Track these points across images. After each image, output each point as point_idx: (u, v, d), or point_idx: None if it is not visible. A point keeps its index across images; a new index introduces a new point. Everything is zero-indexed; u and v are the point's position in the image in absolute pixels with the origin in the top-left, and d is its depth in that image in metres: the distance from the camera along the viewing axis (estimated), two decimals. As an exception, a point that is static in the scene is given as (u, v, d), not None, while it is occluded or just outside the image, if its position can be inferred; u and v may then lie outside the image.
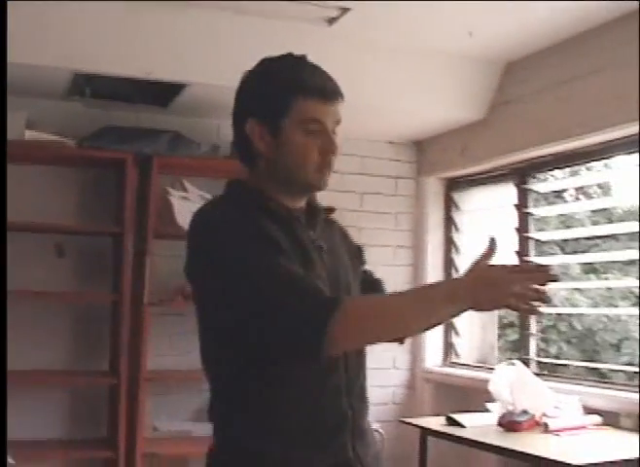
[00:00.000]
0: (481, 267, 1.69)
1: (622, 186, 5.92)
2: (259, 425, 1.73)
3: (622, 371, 5.10)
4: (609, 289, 7.50)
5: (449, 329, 5.45)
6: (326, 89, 1.88)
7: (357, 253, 2.15)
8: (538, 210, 4.90)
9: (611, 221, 6.53)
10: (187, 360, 4.51)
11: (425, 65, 4.72)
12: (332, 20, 4.23)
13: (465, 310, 1.68)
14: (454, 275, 5.45)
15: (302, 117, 1.81)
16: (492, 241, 1.72)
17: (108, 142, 4.30)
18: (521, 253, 4.83)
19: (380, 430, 5.08)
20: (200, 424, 4.75)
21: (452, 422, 4.06)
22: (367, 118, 4.94)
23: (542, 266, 1.70)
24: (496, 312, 5.51)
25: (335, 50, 4.39)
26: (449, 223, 5.55)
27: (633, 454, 3.42)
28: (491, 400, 4.29)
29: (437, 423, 4.13)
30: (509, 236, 4.92)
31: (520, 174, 4.90)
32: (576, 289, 7.29)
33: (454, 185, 5.53)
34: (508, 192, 5.02)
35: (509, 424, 3.88)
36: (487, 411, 4.24)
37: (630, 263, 7.60)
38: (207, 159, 4.53)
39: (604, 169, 5.31)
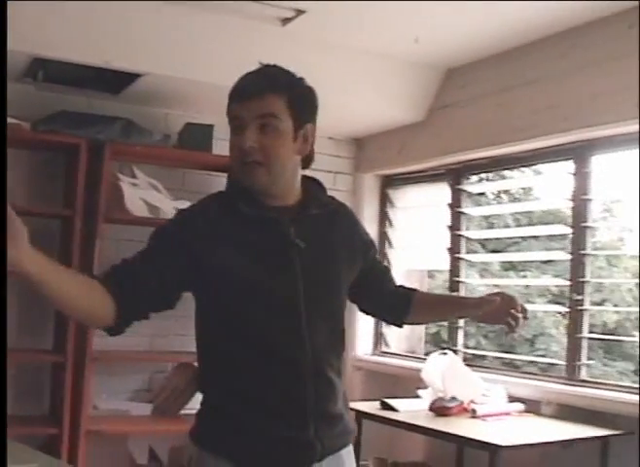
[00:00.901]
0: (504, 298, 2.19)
1: (545, 191, 6.28)
2: (236, 400, 1.91)
3: (538, 363, 5.42)
4: (527, 286, 7.88)
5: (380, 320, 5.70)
6: (245, 89, 2.03)
7: (363, 245, 2.30)
8: (470, 210, 5.18)
9: (532, 222, 6.89)
10: (129, 341, 4.61)
11: (369, 67, 4.93)
12: (286, 21, 4.40)
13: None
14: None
15: (230, 117, 2.02)
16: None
17: (62, 126, 4.38)
18: (453, 250, 5.11)
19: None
20: (139, 404, 4.90)
21: (386, 407, 4.30)
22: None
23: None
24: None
25: (285, 48, 4.55)
26: (384, 218, 5.80)
27: (553, 438, 3.73)
28: (422, 387, 4.55)
29: (372, 407, 4.36)
30: (440, 233, 5.20)
31: (455, 175, 5.17)
32: (495, 285, 7.63)
33: (390, 182, 5.78)
34: (442, 191, 5.28)
35: (439, 409, 4.14)
36: (418, 397, 4.50)
37: (547, 262, 8.02)
38: (159, 147, 4.63)
39: (530, 174, 5.61)
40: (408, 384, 4.86)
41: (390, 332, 5.71)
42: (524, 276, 7.79)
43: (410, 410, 4.26)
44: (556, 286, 8.84)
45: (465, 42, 4.59)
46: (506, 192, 7.15)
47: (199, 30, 4.37)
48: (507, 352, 6.90)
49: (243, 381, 1.92)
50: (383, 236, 5.78)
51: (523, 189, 7.01)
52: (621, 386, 4.09)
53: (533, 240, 7.19)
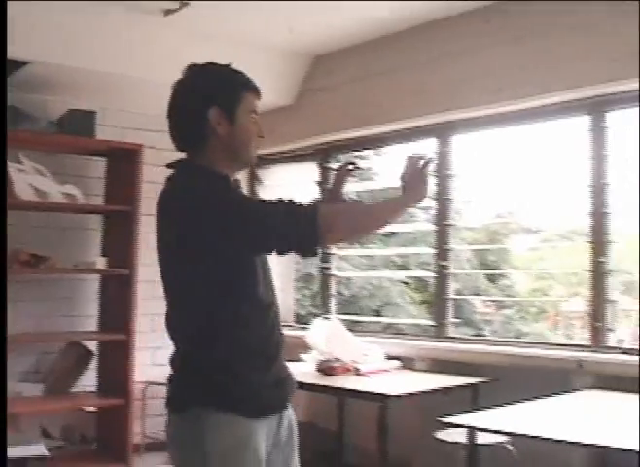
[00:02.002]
0: (405, 178, 2.29)
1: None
2: (236, 354, 2.18)
3: (408, 324, 5.94)
4: (370, 257, 8.44)
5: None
6: (258, 89, 2.35)
7: None
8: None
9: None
10: (16, 324, 4.67)
11: (242, 54, 5.13)
12: (168, 12, 4.61)
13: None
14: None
15: (249, 108, 2.29)
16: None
17: (-51, 114, 4.39)
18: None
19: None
20: (30, 385, 4.99)
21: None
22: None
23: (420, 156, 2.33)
24: (292, 278, 6.18)
25: (166, 38, 4.80)
26: (253, 196, 6.10)
27: (428, 388, 4.21)
28: (304, 352, 4.92)
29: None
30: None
31: (322, 155, 5.57)
32: (342, 257, 8.13)
33: (259, 162, 6.06)
34: (310, 170, 5.67)
35: (326, 369, 4.55)
36: (301, 360, 4.88)
37: (390, 234, 8.60)
38: (45, 134, 4.73)
39: (394, 153, 6.08)
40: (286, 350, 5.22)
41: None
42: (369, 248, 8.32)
43: (298, 371, 4.61)
44: (398, 256, 9.52)
45: (332, 32, 4.97)
46: (370, 170, 7.60)
47: (83, 19, 4.50)
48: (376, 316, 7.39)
49: (249, 336, 2.18)
50: (253, 214, 6.08)
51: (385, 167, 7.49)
52: (484, 340, 4.65)
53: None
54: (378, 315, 9.29)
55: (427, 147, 4.90)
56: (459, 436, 3.67)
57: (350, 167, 2.57)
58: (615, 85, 4.01)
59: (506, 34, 4.36)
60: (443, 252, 4.84)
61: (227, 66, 2.34)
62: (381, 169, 7.17)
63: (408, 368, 4.73)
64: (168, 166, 2.33)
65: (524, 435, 3.04)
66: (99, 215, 5.33)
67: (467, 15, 4.52)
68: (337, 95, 5.30)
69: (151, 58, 4.87)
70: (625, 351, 4.02)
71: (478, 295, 9.75)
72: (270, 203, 2.12)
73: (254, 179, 6.14)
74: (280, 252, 2.12)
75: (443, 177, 4.86)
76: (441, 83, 4.70)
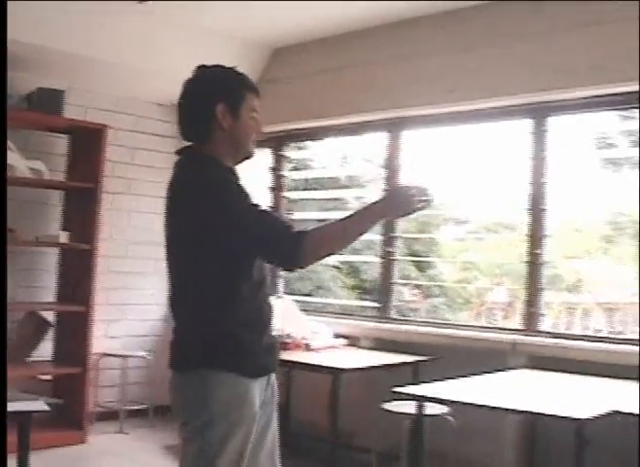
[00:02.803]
0: (394, 189, 2.57)
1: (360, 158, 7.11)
2: (237, 322, 2.47)
3: (355, 306, 6.27)
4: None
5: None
6: (258, 90, 2.64)
7: None
8: (290, 173, 5.90)
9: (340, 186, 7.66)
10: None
11: (206, 43, 5.44)
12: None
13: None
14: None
15: (250, 106, 2.57)
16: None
17: None
18: (274, 209, 5.81)
19: (148, 357, 5.82)
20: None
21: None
22: (143, 81, 5.61)
23: (423, 187, 2.48)
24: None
25: (136, 24, 5.00)
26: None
27: (373, 363, 4.55)
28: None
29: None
30: (263, 194, 5.88)
31: (277, 143, 5.85)
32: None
33: (213, 146, 6.34)
34: (264, 156, 5.95)
35: (279, 345, 4.84)
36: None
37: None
38: (14, 109, 4.86)
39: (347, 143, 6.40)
40: None
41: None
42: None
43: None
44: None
45: (292, 26, 5.25)
46: (324, 158, 7.89)
47: (57, 1, 4.65)
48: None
49: (246, 309, 2.48)
50: (206, 196, 6.34)
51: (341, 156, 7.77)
52: (426, 322, 5.03)
53: (338, 202, 7.97)
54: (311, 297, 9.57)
55: (379, 140, 5.24)
56: (404, 408, 4.03)
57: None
58: (556, 93, 4.40)
59: (459, 40, 4.71)
60: (388, 239, 5.18)
61: (232, 69, 2.61)
62: (322, 160, 7.50)
63: (354, 346, 5.07)
64: (177, 153, 2.59)
65: (471, 404, 3.39)
66: (60, 191, 5.50)
67: (423, 19, 4.86)
68: (293, 87, 5.59)
69: (120, 43, 5.07)
70: (556, 335, 4.44)
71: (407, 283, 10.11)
72: (268, 215, 2.42)
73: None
74: (263, 260, 2.47)
75: (392, 169, 5.20)
76: (394, 81, 5.03)
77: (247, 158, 2.62)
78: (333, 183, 8.25)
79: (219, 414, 2.37)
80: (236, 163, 2.60)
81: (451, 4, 4.63)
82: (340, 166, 7.74)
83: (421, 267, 11.06)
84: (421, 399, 3.56)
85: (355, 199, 7.54)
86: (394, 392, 3.60)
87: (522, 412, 3.36)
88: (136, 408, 5.82)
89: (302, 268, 2.46)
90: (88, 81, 5.55)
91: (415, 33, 4.92)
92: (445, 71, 4.79)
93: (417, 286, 10.87)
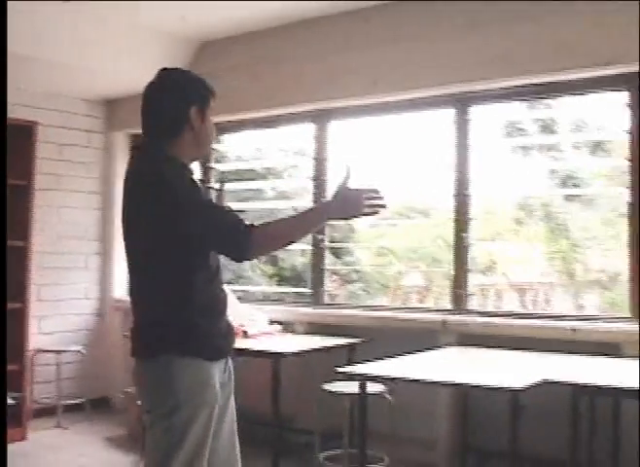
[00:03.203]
0: (343, 191, 2.61)
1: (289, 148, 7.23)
2: (195, 308, 2.61)
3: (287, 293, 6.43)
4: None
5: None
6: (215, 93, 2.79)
7: None
8: (218, 165, 6.01)
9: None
10: None
11: (132, 39, 5.50)
12: (65, -1, 4.86)
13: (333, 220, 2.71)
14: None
15: (210, 109, 2.72)
16: (348, 171, 2.71)
17: None
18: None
19: (83, 351, 5.87)
20: None
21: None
22: (71, 77, 5.63)
23: (375, 190, 2.64)
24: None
25: (62, 19, 5.03)
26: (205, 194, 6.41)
27: (311, 347, 4.72)
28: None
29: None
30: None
31: (205, 135, 5.94)
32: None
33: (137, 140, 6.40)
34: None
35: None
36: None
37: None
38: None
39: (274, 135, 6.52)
40: None
41: (143, 274, 6.39)
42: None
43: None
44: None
45: (220, 20, 5.34)
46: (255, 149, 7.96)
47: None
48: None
49: (204, 297, 2.62)
50: (134, 189, 6.40)
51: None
52: (359, 306, 5.24)
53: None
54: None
55: (306, 131, 5.40)
56: (345, 388, 4.22)
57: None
58: (478, 84, 4.65)
59: (383, 33, 4.90)
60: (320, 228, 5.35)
61: (193, 73, 2.75)
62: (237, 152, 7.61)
63: (289, 331, 5.24)
64: (134, 148, 2.70)
65: (414, 380, 3.61)
66: (-12, 188, 5.48)
67: (348, 13, 5.03)
68: (220, 80, 5.64)
69: (47, 39, 5.08)
70: (481, 313, 4.70)
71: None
72: (220, 209, 2.59)
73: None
74: (214, 251, 2.61)
75: (319, 160, 5.37)
76: (320, 74, 5.20)
77: (204, 156, 2.76)
78: (251, 174, 8.37)
79: (184, 399, 2.50)
80: (193, 161, 2.75)
81: (376, -1, 4.82)
82: (259, 159, 7.87)
83: (338, 254, 11.31)
84: (364, 378, 3.74)
85: (271, 190, 7.68)
86: (338, 372, 3.79)
87: (461, 385, 3.59)
88: (73, 402, 5.85)
89: (249, 260, 2.63)
90: (15, 78, 5.52)
91: (340, 27, 5.08)
92: (370, 64, 4.97)
93: (334, 273, 11.12)
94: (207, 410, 2.55)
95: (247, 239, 2.48)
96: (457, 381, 3.58)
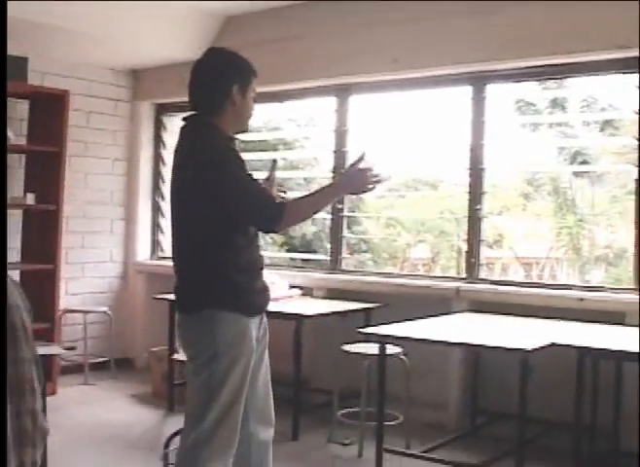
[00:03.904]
0: (352, 170, 2.95)
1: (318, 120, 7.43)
2: (236, 268, 2.86)
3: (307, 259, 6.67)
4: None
5: (156, 228, 6.62)
6: (257, 74, 3.03)
7: None
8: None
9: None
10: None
11: (158, 12, 5.68)
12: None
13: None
14: (160, 185, 6.62)
15: (253, 89, 2.98)
16: (362, 155, 2.97)
17: None
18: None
19: (109, 312, 6.12)
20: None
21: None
22: (98, 47, 5.83)
23: (369, 168, 2.95)
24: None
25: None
26: (158, 141, 6.65)
27: (329, 310, 4.97)
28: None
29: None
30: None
31: (228, 106, 6.16)
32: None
33: (164, 110, 6.63)
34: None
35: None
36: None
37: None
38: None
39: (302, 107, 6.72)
40: None
41: (164, 239, 6.64)
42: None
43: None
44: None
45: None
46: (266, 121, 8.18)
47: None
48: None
49: (243, 258, 2.87)
50: (157, 157, 6.64)
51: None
52: (375, 272, 5.48)
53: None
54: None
55: (328, 104, 5.62)
56: (363, 349, 4.48)
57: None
58: (494, 63, 4.85)
59: (405, 12, 5.08)
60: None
61: (239, 54, 3.04)
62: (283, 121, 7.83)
63: (308, 295, 5.49)
64: (184, 119, 2.95)
65: (434, 341, 3.86)
66: (20, 154, 5.71)
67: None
68: (246, 54, 5.87)
69: (76, 11, 5.24)
70: (493, 282, 4.94)
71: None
72: (257, 185, 2.85)
73: (160, 125, 6.65)
74: (245, 223, 2.87)
75: (340, 132, 5.59)
76: (342, 50, 5.39)
77: (243, 131, 3.00)
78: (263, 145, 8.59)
79: (223, 349, 2.78)
80: (235, 134, 2.99)
81: (397, -21, 5.00)
82: (277, 129, 8.10)
83: (348, 223, 11.54)
84: (384, 339, 3.99)
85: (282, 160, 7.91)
86: (360, 333, 4.05)
87: (474, 346, 3.84)
88: (99, 360, 6.12)
89: (275, 232, 3.09)
90: (46, 48, 5.73)
91: (363, 6, 5.26)
92: (390, 42, 5.16)
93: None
94: (244, 360, 2.82)
95: (279, 215, 2.78)
96: (471, 342, 3.83)
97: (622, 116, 6.55)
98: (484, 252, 5.21)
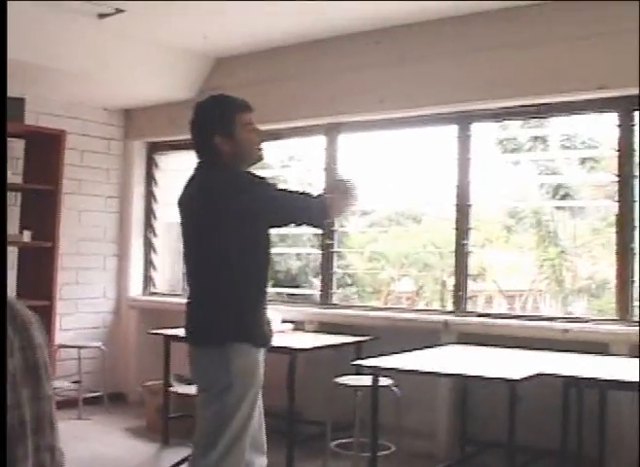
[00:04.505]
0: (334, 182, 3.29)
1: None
2: (251, 301, 3.01)
3: (297, 295, 6.79)
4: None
5: (148, 265, 6.73)
6: (248, 105, 3.16)
7: None
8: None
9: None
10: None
11: (150, 53, 5.84)
12: (102, 16, 5.21)
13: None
14: (152, 221, 6.74)
15: (243, 124, 3.09)
16: (350, 179, 3.20)
17: None
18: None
19: (103, 347, 6.21)
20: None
21: (190, 332, 5.39)
22: (92, 87, 5.99)
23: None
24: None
25: (85, 33, 5.35)
26: (150, 179, 6.79)
27: (322, 344, 5.09)
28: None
29: (177, 332, 5.40)
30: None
31: (219, 145, 6.32)
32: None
33: (155, 148, 6.78)
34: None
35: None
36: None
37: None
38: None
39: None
40: (174, 318, 5.95)
41: (156, 275, 6.75)
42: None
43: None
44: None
45: (235, 38, 5.68)
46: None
47: (18, 15, 4.98)
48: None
49: (256, 291, 3.03)
50: (149, 194, 6.78)
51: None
52: (365, 306, 5.62)
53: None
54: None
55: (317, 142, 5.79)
56: (354, 381, 4.59)
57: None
58: (477, 104, 5.04)
59: (392, 55, 5.29)
60: (329, 232, 5.73)
61: (222, 96, 3.17)
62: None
63: (300, 330, 5.61)
64: (195, 169, 3.10)
65: (426, 373, 4.00)
66: (15, 192, 5.83)
67: (359, 35, 5.40)
68: (235, 94, 6.04)
69: (71, 52, 5.39)
70: (480, 315, 5.09)
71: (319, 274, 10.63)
72: (296, 192, 3.09)
73: (152, 163, 6.80)
74: (299, 224, 3.10)
75: (329, 168, 5.75)
76: (331, 91, 5.57)
77: (257, 162, 3.15)
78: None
79: (236, 380, 2.91)
80: (248, 167, 3.13)
81: (385, 22, 5.19)
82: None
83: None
84: (377, 371, 4.12)
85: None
86: (354, 365, 4.19)
87: (464, 376, 3.98)
88: (92, 395, 6.19)
89: (324, 227, 3.51)
90: (41, 88, 5.88)
91: (351, 48, 5.46)
92: (378, 83, 5.35)
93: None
94: (254, 390, 2.97)
95: (324, 205, 3.04)
96: (462, 373, 3.97)
97: (600, 151, 6.76)
98: (469, 285, 5.36)
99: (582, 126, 5.90)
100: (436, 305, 8.34)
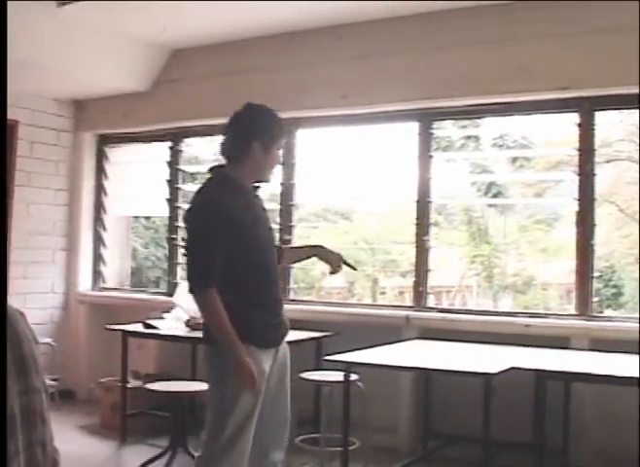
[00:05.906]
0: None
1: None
2: (249, 305, 3.03)
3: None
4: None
5: (98, 259, 6.61)
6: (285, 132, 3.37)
7: None
8: (187, 167, 6.32)
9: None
10: None
11: (105, 43, 5.71)
12: (61, 4, 5.08)
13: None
14: (102, 215, 6.62)
15: (279, 146, 3.23)
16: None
17: None
18: (172, 200, 6.21)
19: (52, 343, 6.07)
20: None
21: (148, 326, 5.31)
22: (43, 77, 5.85)
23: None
24: (130, 245, 6.84)
25: (38, 21, 5.19)
26: (100, 172, 6.66)
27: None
28: (165, 311, 5.60)
29: (136, 327, 5.33)
30: (158, 186, 6.27)
31: (173, 138, 6.25)
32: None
33: (106, 141, 6.65)
34: (160, 151, 6.32)
35: (195, 325, 5.26)
36: (161, 318, 5.54)
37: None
38: None
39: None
40: (126, 312, 5.93)
41: (106, 269, 6.63)
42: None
43: (167, 327, 5.32)
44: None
45: (192, 29, 5.61)
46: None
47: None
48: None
49: (262, 297, 3.05)
50: (99, 187, 6.65)
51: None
52: (325, 302, 5.63)
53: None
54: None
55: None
56: (320, 377, 4.60)
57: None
58: (439, 101, 5.10)
59: (354, 51, 5.30)
60: (287, 228, 5.73)
61: (272, 111, 3.25)
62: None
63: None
64: (209, 171, 3.24)
65: (398, 367, 4.03)
66: (-36, 184, 5.65)
67: (322, 30, 5.39)
68: (191, 87, 5.99)
69: (22, 40, 5.21)
70: (442, 310, 5.16)
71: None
72: (206, 250, 3.05)
73: (102, 156, 6.67)
74: None
75: (287, 165, 5.74)
76: (292, 85, 5.55)
77: (264, 181, 3.26)
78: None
79: (232, 375, 2.95)
80: (254, 182, 3.24)
81: (348, 18, 5.20)
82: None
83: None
84: (349, 365, 4.13)
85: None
86: (326, 360, 4.18)
87: (441, 370, 4.03)
88: (42, 392, 6.03)
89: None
90: (-3, 78, 5.69)
91: (314, 42, 5.45)
92: (340, 78, 5.36)
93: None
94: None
95: (200, 292, 3.07)
96: (434, 367, 4.02)
97: (532, 151, 6.91)
98: (396, 281, 5.42)
99: (513, 126, 6.05)
100: (368, 301, 8.43)
